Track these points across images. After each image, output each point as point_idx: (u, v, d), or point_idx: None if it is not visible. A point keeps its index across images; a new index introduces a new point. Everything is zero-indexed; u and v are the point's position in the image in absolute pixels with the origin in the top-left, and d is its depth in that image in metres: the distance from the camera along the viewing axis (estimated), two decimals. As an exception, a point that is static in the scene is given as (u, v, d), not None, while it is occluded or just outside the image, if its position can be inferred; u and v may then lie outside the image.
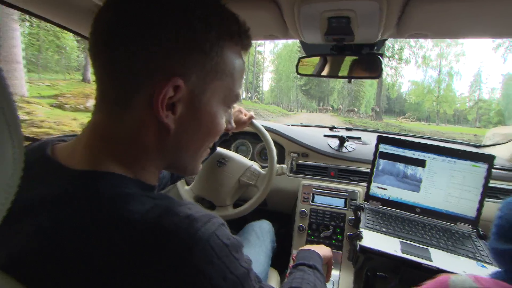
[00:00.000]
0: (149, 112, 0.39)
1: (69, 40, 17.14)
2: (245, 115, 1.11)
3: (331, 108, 33.95)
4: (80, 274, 0.32)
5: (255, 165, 1.27)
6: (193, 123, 0.42)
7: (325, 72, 1.07)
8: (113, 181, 0.37)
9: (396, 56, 30.68)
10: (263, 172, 1.23)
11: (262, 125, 1.23)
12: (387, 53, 29.17)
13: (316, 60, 1.10)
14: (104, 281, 0.32)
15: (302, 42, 1.02)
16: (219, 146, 1.27)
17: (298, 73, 1.10)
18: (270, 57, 43.61)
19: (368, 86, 35.17)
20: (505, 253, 0.32)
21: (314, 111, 36.03)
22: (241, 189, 1.29)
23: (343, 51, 0.99)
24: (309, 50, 1.08)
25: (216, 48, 0.40)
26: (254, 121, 1.15)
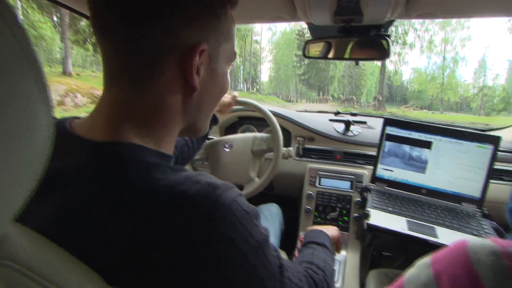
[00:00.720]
0: (176, 79, 0.42)
1: (48, 30, 15.06)
2: (228, 98, 1.13)
3: (331, 98, 33.01)
4: (110, 241, 0.34)
5: (259, 134, 1.27)
6: (211, 83, 0.46)
7: (332, 54, 1.07)
8: (135, 150, 0.39)
9: (400, 41, 29.14)
10: (256, 179, 1.22)
11: (268, 109, 1.24)
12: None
13: (323, 43, 1.10)
14: (130, 247, 0.33)
15: (309, 25, 1.02)
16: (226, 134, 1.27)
17: (305, 56, 1.11)
18: (268, 46, 42.51)
19: (369, 74, 33.89)
20: None
21: (314, 101, 35.13)
22: (257, 159, 1.28)
23: (350, 33, 0.99)
24: (315, 33, 1.08)
25: (223, 12, 0.43)
26: (240, 98, 1.16)
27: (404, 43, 29.41)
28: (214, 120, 1.05)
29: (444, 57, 30.69)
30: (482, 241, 0.33)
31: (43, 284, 0.26)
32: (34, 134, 0.26)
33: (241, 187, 1.25)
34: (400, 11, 0.80)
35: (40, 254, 0.28)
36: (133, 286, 0.33)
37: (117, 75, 0.41)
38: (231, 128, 1.65)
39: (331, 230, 0.84)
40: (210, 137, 1.42)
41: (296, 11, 0.84)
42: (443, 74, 30.22)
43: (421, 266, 0.37)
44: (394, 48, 28.56)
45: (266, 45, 43.27)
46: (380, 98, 25.02)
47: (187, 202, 0.35)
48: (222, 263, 0.35)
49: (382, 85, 27.09)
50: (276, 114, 1.44)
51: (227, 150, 1.27)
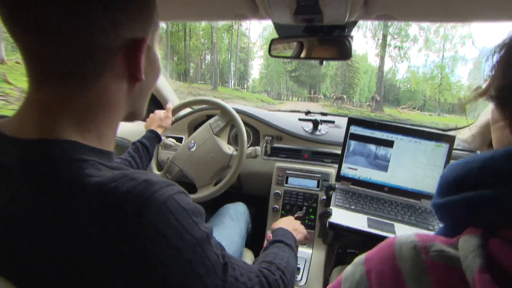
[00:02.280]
0: (121, 73, 0.41)
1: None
2: (163, 112, 1.20)
3: (322, 97, 31.27)
4: (39, 241, 0.32)
5: (212, 118, 1.31)
6: (150, 71, 0.46)
7: (297, 54, 1.07)
8: (70, 147, 0.37)
9: (403, 33, 25.41)
10: (234, 153, 1.25)
11: (235, 108, 1.24)
12: (390, 30, 24.23)
13: (288, 42, 1.10)
14: (63, 247, 0.32)
15: (275, 24, 1.01)
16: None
17: (271, 55, 1.10)
18: (259, 41, 39.99)
19: (363, 73, 32.30)
20: (441, 206, 0.35)
21: (305, 100, 33.62)
22: (224, 137, 1.33)
23: (314, 33, 1.00)
24: (282, 32, 1.08)
25: (154, 1, 0.44)
26: (174, 105, 1.27)
27: (406, 36, 25.89)
28: (158, 138, 1.11)
29: (443, 55, 27.90)
30: (408, 237, 0.34)
31: None
32: None
33: (194, 189, 1.25)
34: (360, 12, 0.81)
35: None
36: None
37: (52, 74, 0.38)
38: (199, 127, 1.62)
39: (299, 236, 0.84)
40: (170, 137, 1.43)
41: (258, 9, 0.83)
42: (441, 73, 27.75)
43: (356, 264, 0.38)
44: (394, 42, 25.57)
45: (257, 40, 41.03)
46: (378, 98, 22.67)
47: (118, 199, 0.33)
48: (155, 259, 0.34)
49: (380, 83, 24.15)
50: (244, 113, 1.44)
51: (193, 149, 1.25)
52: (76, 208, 0.33)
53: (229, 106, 1.23)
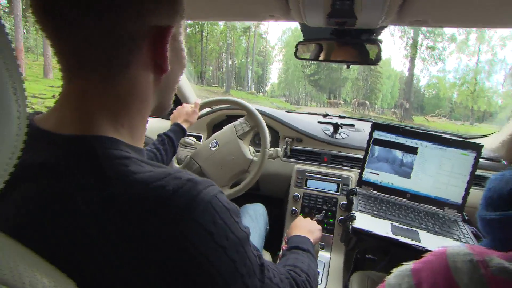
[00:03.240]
0: (148, 63, 0.41)
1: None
2: (191, 107, 1.19)
3: (342, 102, 28.76)
4: (87, 235, 0.32)
5: (237, 120, 1.29)
6: (176, 62, 0.46)
7: (323, 56, 1.07)
8: (109, 144, 0.37)
9: (437, 31, 21.72)
10: (255, 158, 1.24)
11: (257, 109, 1.24)
12: (423, 28, 19.65)
13: (314, 44, 1.10)
14: (111, 241, 0.32)
15: (302, 26, 1.01)
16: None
17: (297, 57, 1.10)
18: (279, 45, 38.01)
19: (385, 78, 29.92)
20: (492, 221, 0.34)
21: (324, 105, 30.77)
22: (247, 141, 1.30)
23: (342, 36, 0.99)
24: (308, 34, 1.08)
25: None
26: (203, 101, 1.27)
27: (441, 35, 22.35)
28: (183, 132, 1.10)
29: (478, 59, 24.18)
30: (460, 249, 0.33)
31: (12, 283, 0.24)
32: (7, 128, 0.24)
33: (244, 175, 1.25)
34: (393, 17, 0.80)
35: (3, 257, 0.26)
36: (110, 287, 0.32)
37: (84, 66, 0.39)
38: (218, 127, 1.63)
39: (314, 236, 0.84)
40: (191, 135, 1.43)
41: (290, 11, 0.83)
42: (475, 79, 23.69)
43: (402, 275, 0.38)
44: (427, 42, 22.42)
45: (276, 43, 39.49)
46: (407, 105, 19.83)
47: (167, 198, 0.34)
48: (201, 257, 0.34)
49: (410, 88, 20.98)
50: (264, 114, 1.44)
51: (214, 149, 1.25)
52: (124, 204, 0.33)
53: (256, 111, 1.22)
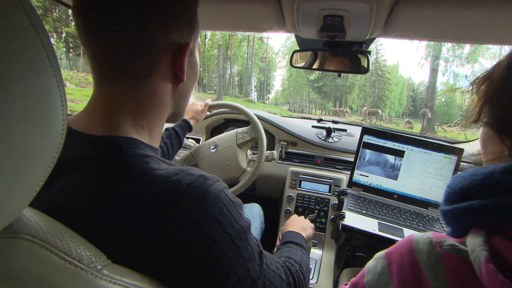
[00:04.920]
0: (167, 74, 0.48)
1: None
2: (200, 105, 1.23)
3: (349, 110, 27.75)
4: (111, 223, 0.38)
5: (240, 128, 1.32)
6: (191, 74, 0.53)
7: (317, 65, 1.14)
8: (133, 144, 0.44)
9: None
10: (248, 168, 1.27)
11: (254, 113, 1.31)
12: None
13: (309, 54, 1.17)
14: (132, 228, 0.38)
15: (297, 36, 1.09)
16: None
17: (292, 65, 1.18)
18: (282, 50, 36.73)
19: (393, 85, 28.34)
20: (448, 213, 0.40)
21: (330, 113, 28.92)
22: (244, 151, 1.32)
23: (334, 47, 1.07)
24: (303, 44, 1.15)
25: (196, 8, 0.50)
26: (213, 103, 1.28)
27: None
28: (189, 128, 1.14)
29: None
30: (424, 234, 0.40)
31: (57, 253, 0.30)
32: (54, 127, 0.30)
33: (236, 181, 1.29)
34: (380, 31, 0.88)
35: (53, 230, 0.32)
36: (133, 264, 0.38)
37: (113, 73, 0.45)
38: (216, 130, 1.70)
39: (308, 231, 0.90)
40: (190, 138, 1.47)
41: (285, 24, 0.90)
42: None
43: (378, 258, 0.44)
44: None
45: (279, 49, 37.84)
46: (429, 115, 17.34)
47: (182, 190, 0.40)
48: (211, 241, 0.40)
49: (432, 95, 18.35)
50: (261, 118, 1.51)
51: (213, 151, 1.31)
52: (146, 195, 0.39)
53: (260, 124, 1.24)
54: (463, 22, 0.75)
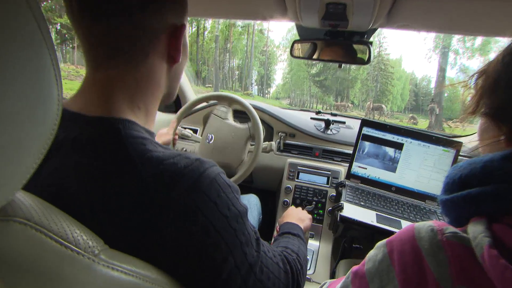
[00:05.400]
0: (163, 54, 0.48)
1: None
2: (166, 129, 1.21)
3: (350, 105, 26.71)
4: (108, 205, 0.37)
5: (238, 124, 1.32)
6: (183, 55, 0.53)
7: (317, 55, 1.13)
8: (130, 125, 0.43)
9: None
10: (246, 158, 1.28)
11: (252, 104, 1.30)
12: None
13: (309, 44, 1.16)
14: (129, 210, 0.37)
15: (297, 26, 1.07)
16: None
17: (292, 55, 1.16)
18: (283, 43, 35.79)
19: (396, 79, 27.63)
20: (447, 202, 0.41)
21: (332, 108, 27.37)
22: (247, 142, 1.33)
23: (336, 37, 1.05)
24: (304, 34, 1.13)
25: None
26: (177, 113, 1.33)
27: None
28: None
29: None
30: (426, 223, 0.40)
31: (52, 237, 0.29)
32: (49, 108, 0.29)
33: (234, 172, 1.28)
34: (383, 21, 0.87)
35: (48, 213, 0.31)
36: (131, 248, 0.37)
37: (109, 55, 0.44)
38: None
39: (304, 224, 0.90)
40: (187, 128, 1.47)
41: (287, 12, 0.88)
42: None
43: (379, 246, 0.44)
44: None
45: (280, 42, 36.96)
46: (437, 111, 16.42)
47: (179, 172, 0.39)
48: (208, 223, 0.40)
49: (441, 88, 18.03)
50: (260, 109, 1.49)
51: (212, 141, 1.30)
52: (142, 177, 0.38)
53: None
54: (468, 12, 0.74)
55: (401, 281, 0.39)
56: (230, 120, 1.32)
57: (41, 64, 0.27)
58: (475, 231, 0.35)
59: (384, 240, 0.45)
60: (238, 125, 1.30)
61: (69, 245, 0.29)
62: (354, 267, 0.48)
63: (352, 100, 29.40)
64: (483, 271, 0.33)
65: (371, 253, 0.46)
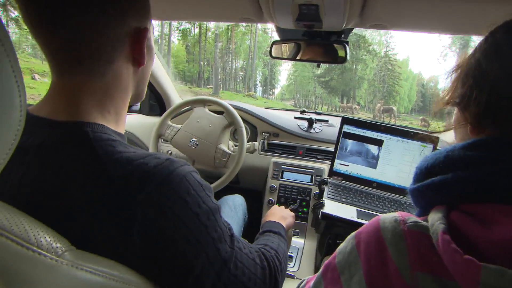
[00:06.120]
0: (128, 59, 0.49)
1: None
2: None
3: (357, 106, 25.79)
4: (77, 207, 0.38)
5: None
6: (149, 56, 0.54)
7: (295, 55, 1.15)
8: (99, 128, 0.44)
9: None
10: (232, 152, 1.29)
11: (235, 105, 1.31)
12: None
13: (288, 44, 1.18)
14: (98, 211, 0.38)
15: (276, 27, 1.09)
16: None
17: (271, 56, 1.18)
18: None
19: (404, 80, 27.32)
20: (414, 190, 0.43)
21: (337, 109, 26.63)
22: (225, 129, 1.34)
23: (313, 37, 1.07)
24: (283, 35, 1.15)
25: None
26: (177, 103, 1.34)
27: None
28: None
29: None
30: (390, 214, 0.42)
31: (13, 239, 0.30)
32: (11, 115, 0.29)
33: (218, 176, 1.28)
34: (356, 21, 0.89)
35: (10, 217, 0.32)
36: (102, 249, 0.38)
37: (73, 62, 0.44)
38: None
39: (288, 220, 0.92)
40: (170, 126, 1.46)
41: (263, 14, 0.90)
42: None
43: (348, 239, 0.46)
44: None
45: None
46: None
47: (148, 172, 0.40)
48: (178, 220, 0.41)
49: None
50: (243, 110, 1.51)
51: (193, 148, 1.30)
52: (111, 177, 0.39)
53: (233, 109, 1.28)
54: (434, 12, 0.76)
55: (365, 271, 0.40)
56: (223, 138, 1.32)
57: (1, 72, 0.27)
58: (433, 218, 0.37)
59: (354, 233, 0.47)
60: (213, 114, 1.32)
61: (30, 246, 0.30)
62: (327, 261, 0.49)
63: (358, 101, 28.56)
64: (440, 257, 0.34)
65: (341, 245, 0.47)
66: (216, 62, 25.50)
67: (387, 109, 20.40)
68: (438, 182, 0.39)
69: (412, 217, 0.40)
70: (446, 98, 0.47)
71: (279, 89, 36.22)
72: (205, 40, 26.81)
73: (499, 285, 0.29)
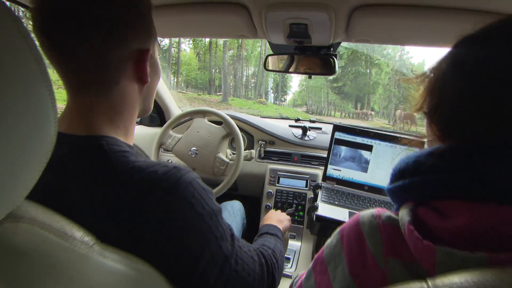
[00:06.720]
0: (132, 78, 0.53)
1: None
2: None
3: (372, 112, 24.61)
4: (97, 212, 0.43)
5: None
6: (154, 74, 0.58)
7: (288, 68, 1.23)
8: (112, 141, 0.49)
9: None
10: (230, 161, 1.34)
11: (233, 115, 1.38)
12: None
13: (281, 58, 1.26)
14: (115, 214, 0.43)
15: (269, 42, 1.17)
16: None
17: (266, 69, 1.25)
18: None
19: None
20: (389, 190, 0.48)
21: (351, 116, 25.94)
22: (223, 139, 1.39)
23: (304, 51, 1.15)
24: (276, 49, 1.23)
25: (150, 15, 0.54)
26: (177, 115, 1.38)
27: None
28: None
29: None
30: (369, 210, 0.48)
31: (54, 232, 0.36)
32: (48, 130, 0.35)
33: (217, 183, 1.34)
34: (342, 37, 0.97)
35: (48, 215, 0.38)
36: (115, 244, 0.43)
37: (81, 85, 0.50)
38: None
39: (284, 223, 0.97)
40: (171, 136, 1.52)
41: (257, 31, 0.98)
42: None
43: (334, 234, 0.51)
44: None
45: None
46: None
47: (158, 179, 0.46)
48: (185, 222, 0.46)
49: None
50: (240, 120, 1.58)
51: (197, 151, 1.36)
52: (125, 183, 0.45)
53: (231, 120, 1.34)
54: (408, 28, 0.85)
55: (347, 261, 0.46)
56: (222, 147, 1.38)
57: (40, 96, 0.32)
58: (402, 213, 0.43)
59: (338, 228, 0.53)
60: (213, 124, 1.38)
61: (68, 238, 0.36)
62: (316, 255, 0.55)
63: (372, 106, 27.07)
64: (407, 244, 0.41)
65: (328, 241, 0.53)
66: (225, 69, 25.38)
67: (408, 115, 18.68)
68: (407, 184, 0.44)
69: (387, 212, 0.46)
70: (417, 105, 0.51)
71: (291, 95, 35.24)
72: (216, 47, 26.73)
73: (452, 265, 0.34)
